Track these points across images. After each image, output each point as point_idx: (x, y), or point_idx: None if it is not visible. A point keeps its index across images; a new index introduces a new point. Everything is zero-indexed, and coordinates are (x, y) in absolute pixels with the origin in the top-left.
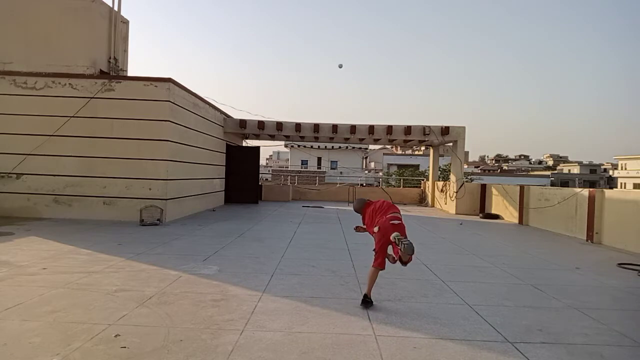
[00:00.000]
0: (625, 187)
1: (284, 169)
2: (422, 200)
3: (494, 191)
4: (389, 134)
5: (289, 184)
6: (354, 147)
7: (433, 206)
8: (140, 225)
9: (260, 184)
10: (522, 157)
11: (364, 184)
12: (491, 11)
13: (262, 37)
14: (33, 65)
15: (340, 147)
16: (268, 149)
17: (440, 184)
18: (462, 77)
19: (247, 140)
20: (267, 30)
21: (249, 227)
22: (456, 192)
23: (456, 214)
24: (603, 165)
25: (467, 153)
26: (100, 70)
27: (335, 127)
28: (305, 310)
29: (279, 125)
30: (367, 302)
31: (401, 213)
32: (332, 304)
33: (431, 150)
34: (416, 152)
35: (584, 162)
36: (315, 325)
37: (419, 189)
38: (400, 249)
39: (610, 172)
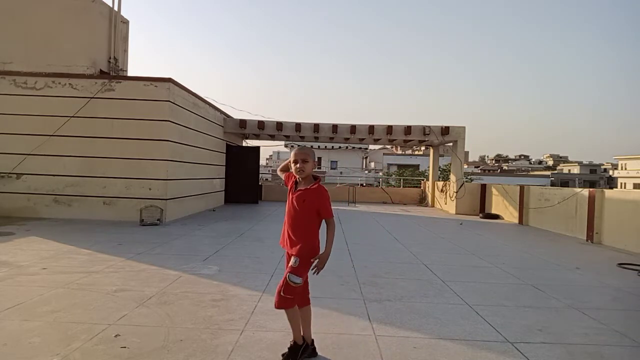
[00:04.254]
0: (625, 187)
1: None
2: (422, 200)
3: (494, 191)
4: (389, 134)
5: None
6: (354, 147)
7: (433, 206)
8: (140, 225)
9: (260, 184)
10: (522, 157)
11: (364, 184)
12: (492, 11)
13: (263, 37)
14: (33, 65)
15: (340, 147)
16: (268, 149)
17: (440, 184)
18: (462, 77)
19: (247, 140)
20: (267, 30)
21: (249, 227)
22: (456, 192)
23: (456, 214)
24: (603, 165)
25: (467, 153)
26: (100, 70)
27: (335, 127)
28: None
29: (279, 125)
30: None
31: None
32: (332, 303)
33: (431, 150)
34: (416, 152)
35: (584, 162)
36: (315, 325)
37: (419, 189)
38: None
39: (610, 172)
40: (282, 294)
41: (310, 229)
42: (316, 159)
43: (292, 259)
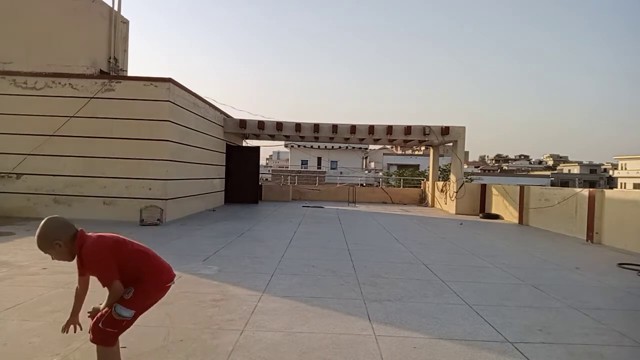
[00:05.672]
0: (625, 187)
1: (284, 169)
2: (422, 200)
3: (494, 191)
4: (389, 134)
5: (289, 184)
6: (354, 147)
7: (433, 206)
8: (140, 225)
9: (260, 184)
10: (522, 157)
11: (364, 184)
12: (491, 11)
13: (263, 37)
14: (33, 65)
15: (340, 147)
16: (268, 149)
17: (440, 184)
18: (462, 77)
19: (247, 140)
20: (267, 30)
21: (249, 227)
22: (456, 192)
23: (456, 214)
24: (603, 165)
25: (467, 153)
26: (100, 70)
27: (335, 127)
28: (305, 310)
29: (279, 125)
30: None
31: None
32: (332, 304)
33: (431, 150)
34: (416, 152)
35: (584, 162)
36: (315, 325)
37: (419, 189)
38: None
39: (610, 172)
40: (100, 325)
41: (135, 274)
42: (62, 237)
43: (125, 290)
